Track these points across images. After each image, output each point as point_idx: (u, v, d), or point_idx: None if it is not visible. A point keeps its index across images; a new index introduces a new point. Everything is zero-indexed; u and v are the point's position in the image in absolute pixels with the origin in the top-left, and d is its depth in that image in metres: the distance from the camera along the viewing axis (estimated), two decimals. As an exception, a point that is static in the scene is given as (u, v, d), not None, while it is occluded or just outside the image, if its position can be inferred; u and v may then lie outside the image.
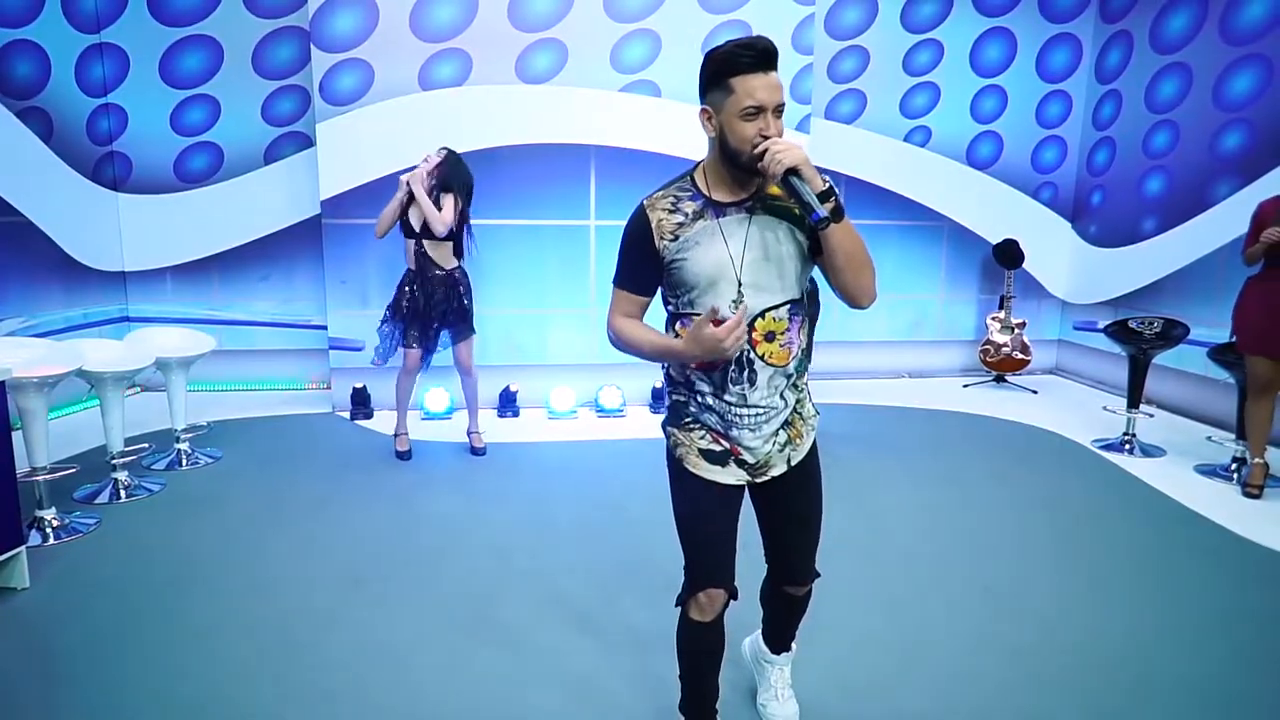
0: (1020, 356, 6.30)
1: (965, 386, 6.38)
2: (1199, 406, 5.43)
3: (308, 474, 4.26)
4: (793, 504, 1.89)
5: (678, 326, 1.77)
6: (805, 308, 1.78)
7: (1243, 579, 3.14)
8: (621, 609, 2.83)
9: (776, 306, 1.70)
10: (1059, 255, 6.73)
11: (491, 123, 5.28)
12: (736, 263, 1.67)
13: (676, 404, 1.86)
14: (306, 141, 5.73)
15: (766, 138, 1.58)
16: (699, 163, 1.77)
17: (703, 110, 1.65)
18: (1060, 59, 6.47)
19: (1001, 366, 6.35)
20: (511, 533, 3.51)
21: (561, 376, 5.55)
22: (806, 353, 1.83)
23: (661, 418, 1.93)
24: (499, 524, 3.61)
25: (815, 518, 1.93)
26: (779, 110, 1.60)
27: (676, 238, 1.69)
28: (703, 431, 1.80)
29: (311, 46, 5.12)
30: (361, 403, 5.36)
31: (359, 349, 5.48)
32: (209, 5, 5.55)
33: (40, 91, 5.13)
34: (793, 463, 1.84)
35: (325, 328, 5.67)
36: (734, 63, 1.56)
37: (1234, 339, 4.07)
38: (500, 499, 3.94)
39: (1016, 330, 6.28)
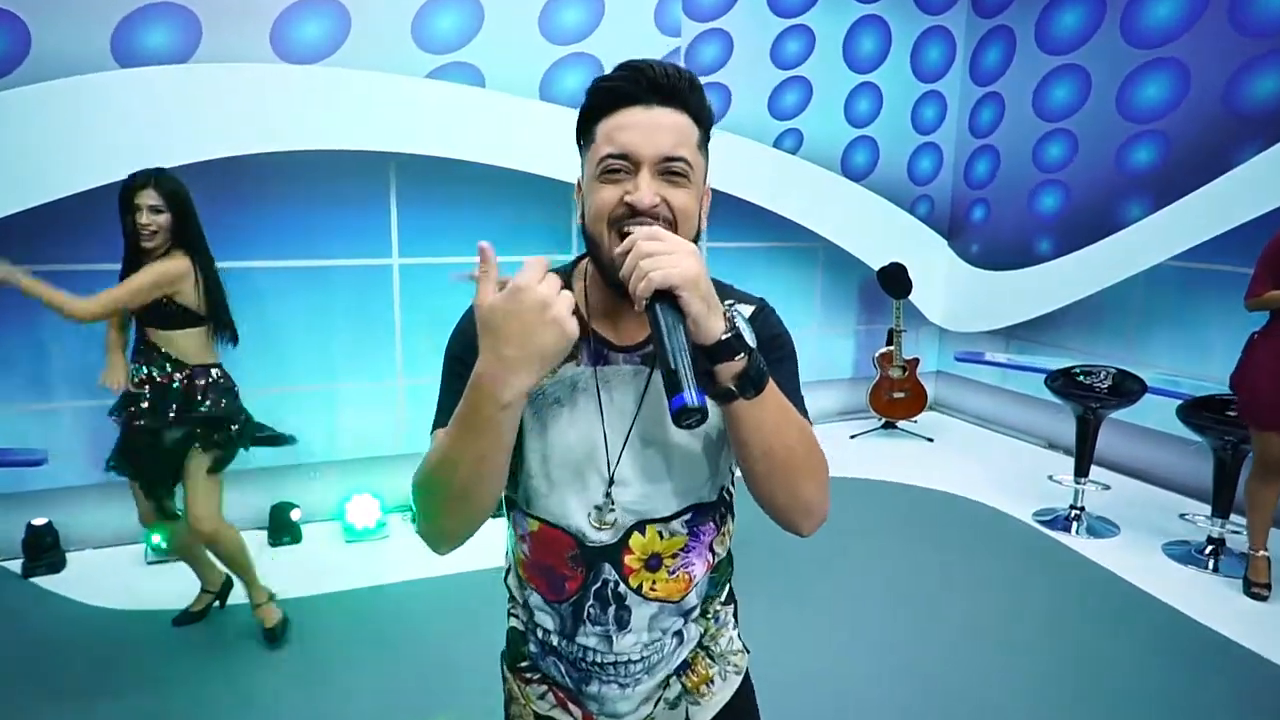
0: (914, 399, 5.49)
1: (853, 437, 5.48)
2: (1149, 465, 4.73)
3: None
4: None
5: (514, 523, 1.18)
6: (721, 510, 1.18)
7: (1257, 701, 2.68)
8: None
9: (668, 519, 1.12)
10: (935, 276, 6.00)
11: (234, 118, 3.57)
12: (612, 446, 1.09)
13: (511, 633, 1.26)
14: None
15: (636, 213, 0.98)
16: (579, 259, 1.15)
17: (577, 184, 1.10)
18: (934, 55, 5.70)
19: (894, 411, 5.51)
20: None
21: (361, 477, 3.97)
22: (728, 559, 1.25)
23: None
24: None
25: None
26: (672, 172, 1.00)
27: None
28: (544, 688, 1.22)
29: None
30: (43, 549, 3.48)
31: (38, 462, 3.57)
32: None
33: None
34: None
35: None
36: (601, 96, 1.03)
37: (1226, 407, 3.37)
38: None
39: (908, 369, 5.46)
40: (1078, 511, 4.00)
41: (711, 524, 1.17)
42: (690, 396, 0.87)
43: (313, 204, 3.82)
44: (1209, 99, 4.29)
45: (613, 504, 1.10)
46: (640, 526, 1.11)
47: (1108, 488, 4.10)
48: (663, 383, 0.91)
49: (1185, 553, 3.68)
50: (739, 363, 0.94)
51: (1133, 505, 4.23)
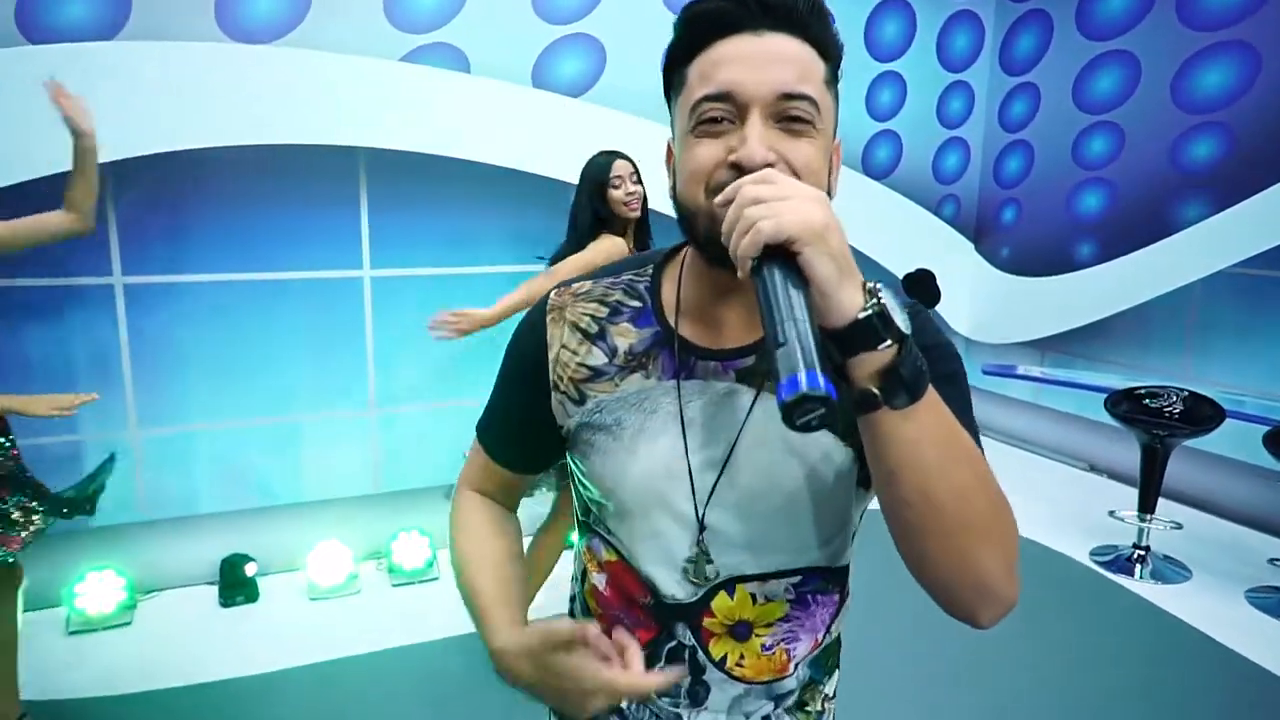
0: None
1: (877, 459, 5.00)
2: (1222, 499, 4.16)
3: None
4: None
5: (588, 548, 1.00)
6: (841, 578, 0.96)
7: None
8: None
9: (767, 577, 0.90)
10: (961, 283, 5.54)
11: (172, 107, 3.04)
12: (699, 483, 0.87)
13: None
14: None
15: (740, 170, 0.73)
16: (680, 247, 0.93)
17: (667, 146, 0.87)
18: (961, 43, 5.23)
19: (919, 432, 5.04)
20: None
21: (328, 523, 3.45)
22: (838, 641, 1.02)
23: None
24: None
25: None
26: (791, 117, 0.76)
27: (582, 399, 0.90)
28: None
29: None
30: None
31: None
32: None
33: None
34: None
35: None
36: (694, 26, 0.79)
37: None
38: None
39: (937, 386, 4.99)
40: (1142, 552, 3.55)
41: (831, 596, 0.96)
42: (810, 379, 0.60)
43: (268, 208, 3.30)
44: (1282, 86, 3.85)
45: (709, 558, 0.89)
46: (729, 585, 0.91)
47: (1179, 526, 3.63)
48: (770, 364, 0.64)
49: (1275, 603, 3.23)
50: (885, 353, 0.67)
51: (1206, 545, 3.74)
